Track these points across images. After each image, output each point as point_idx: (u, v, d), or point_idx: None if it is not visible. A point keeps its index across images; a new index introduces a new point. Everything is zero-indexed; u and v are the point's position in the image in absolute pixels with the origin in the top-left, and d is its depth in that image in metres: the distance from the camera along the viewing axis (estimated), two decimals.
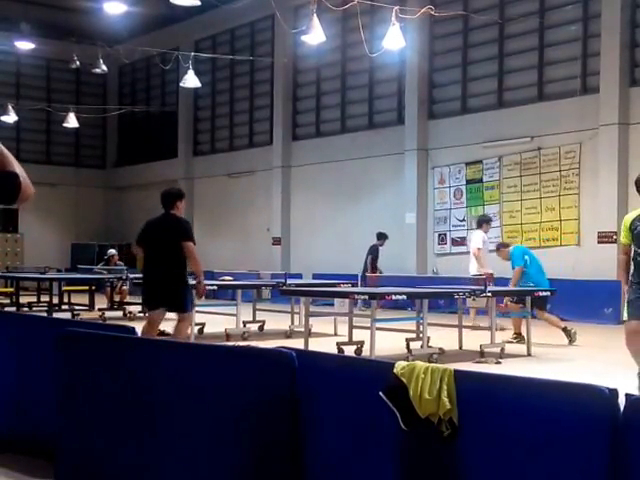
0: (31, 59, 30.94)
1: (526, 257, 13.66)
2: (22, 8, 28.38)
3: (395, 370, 3.55)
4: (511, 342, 12.95)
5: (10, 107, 27.34)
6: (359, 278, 19.85)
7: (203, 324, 14.46)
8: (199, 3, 16.15)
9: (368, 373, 3.83)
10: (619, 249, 8.34)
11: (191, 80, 22.92)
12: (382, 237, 21.09)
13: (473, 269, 15.61)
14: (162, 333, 10.90)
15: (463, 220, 21.92)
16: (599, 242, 18.50)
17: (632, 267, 7.82)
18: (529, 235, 20.33)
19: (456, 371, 3.45)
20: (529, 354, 12.03)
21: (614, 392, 3.04)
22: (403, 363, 3.58)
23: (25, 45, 26.11)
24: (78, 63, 24.77)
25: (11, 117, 27.63)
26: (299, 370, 3.93)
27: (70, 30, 29.16)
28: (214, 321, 14.49)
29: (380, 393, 3.52)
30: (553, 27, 20.17)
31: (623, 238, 7.96)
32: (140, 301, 18.69)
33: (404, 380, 3.49)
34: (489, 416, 3.35)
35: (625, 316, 7.79)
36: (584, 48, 19.52)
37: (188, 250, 9.59)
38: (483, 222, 16.40)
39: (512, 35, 21.06)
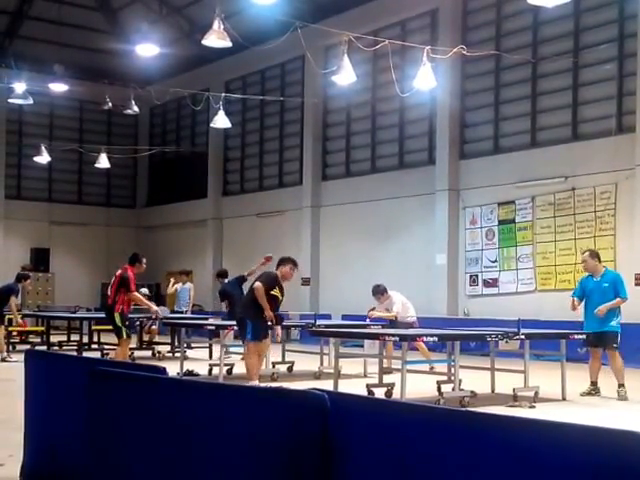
0: (64, 100, 31.19)
1: None
2: (56, 50, 28.81)
3: None
4: (590, 394, 11.95)
5: (43, 148, 27.56)
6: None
7: (232, 364, 14.30)
8: (230, 44, 16.13)
9: (405, 417, 3.60)
10: None
11: (221, 120, 23.00)
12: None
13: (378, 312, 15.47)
14: None
15: (495, 261, 21.62)
16: (636, 284, 17.78)
17: None
18: (563, 277, 19.92)
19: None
20: (564, 398, 11.70)
21: None
22: None
23: (58, 87, 26.33)
24: (110, 104, 24.92)
25: (44, 158, 27.85)
26: (331, 413, 3.74)
27: (102, 72, 29.53)
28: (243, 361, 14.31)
29: None
30: (587, 66, 19.94)
31: None
32: (169, 340, 18.86)
33: None
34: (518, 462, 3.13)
35: None
36: (619, 87, 19.26)
37: None
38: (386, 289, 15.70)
39: (545, 74, 20.87)
